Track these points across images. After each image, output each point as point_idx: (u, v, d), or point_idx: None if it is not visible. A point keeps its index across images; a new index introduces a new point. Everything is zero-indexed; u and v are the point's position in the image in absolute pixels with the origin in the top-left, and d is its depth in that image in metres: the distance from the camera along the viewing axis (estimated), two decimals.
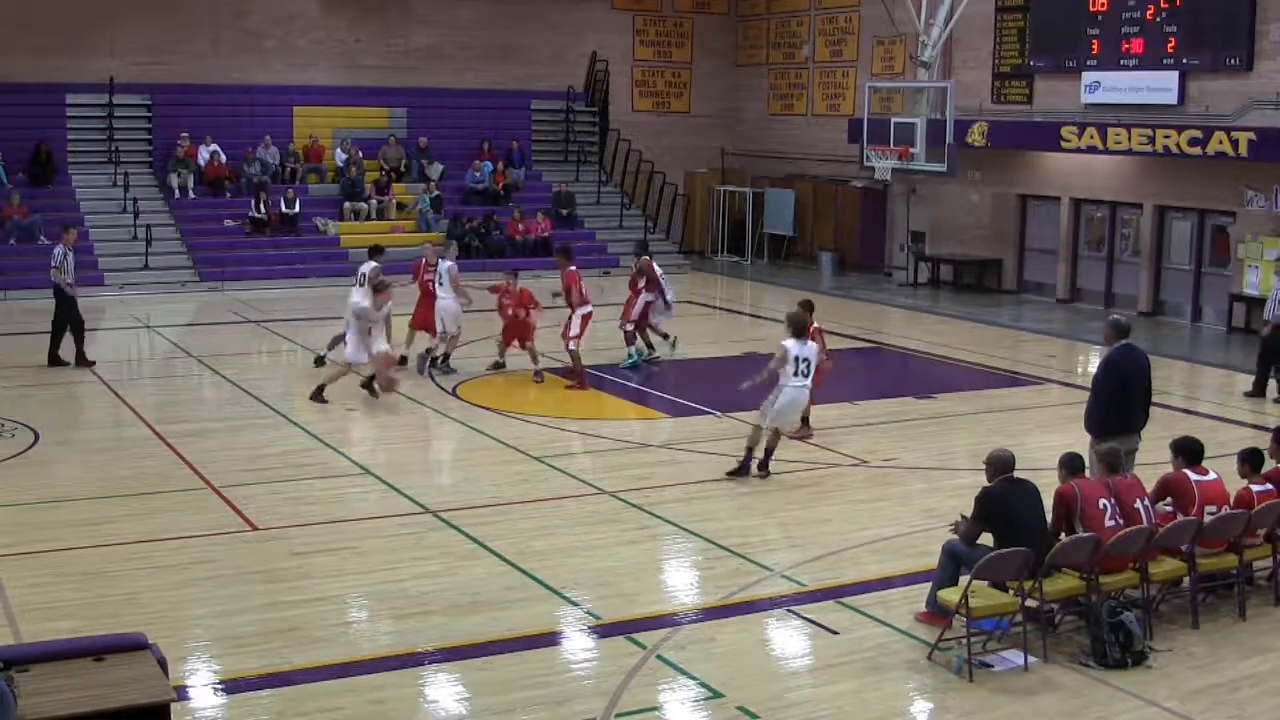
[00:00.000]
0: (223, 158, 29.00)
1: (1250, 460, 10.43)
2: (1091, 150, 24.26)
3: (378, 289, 16.88)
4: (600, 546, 11.45)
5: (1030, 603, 9.10)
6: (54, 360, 18.48)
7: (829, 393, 15.97)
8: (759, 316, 26.00)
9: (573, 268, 18.55)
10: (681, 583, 10.88)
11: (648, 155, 33.02)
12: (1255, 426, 16.06)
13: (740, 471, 13.42)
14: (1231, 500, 10.06)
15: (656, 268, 19.55)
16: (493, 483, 13.39)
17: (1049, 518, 9.56)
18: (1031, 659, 8.98)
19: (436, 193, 29.63)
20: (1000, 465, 9.60)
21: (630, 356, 19.14)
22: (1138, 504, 9.66)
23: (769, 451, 13.53)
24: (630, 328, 19.25)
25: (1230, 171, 22.75)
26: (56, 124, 28.21)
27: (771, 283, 29.53)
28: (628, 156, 32.91)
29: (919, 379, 19.66)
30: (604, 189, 32.25)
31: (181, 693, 8.12)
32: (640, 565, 11.08)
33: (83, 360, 18.43)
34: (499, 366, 18.55)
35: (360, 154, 29.89)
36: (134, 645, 6.79)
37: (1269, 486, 10.25)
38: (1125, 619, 8.98)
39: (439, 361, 18.44)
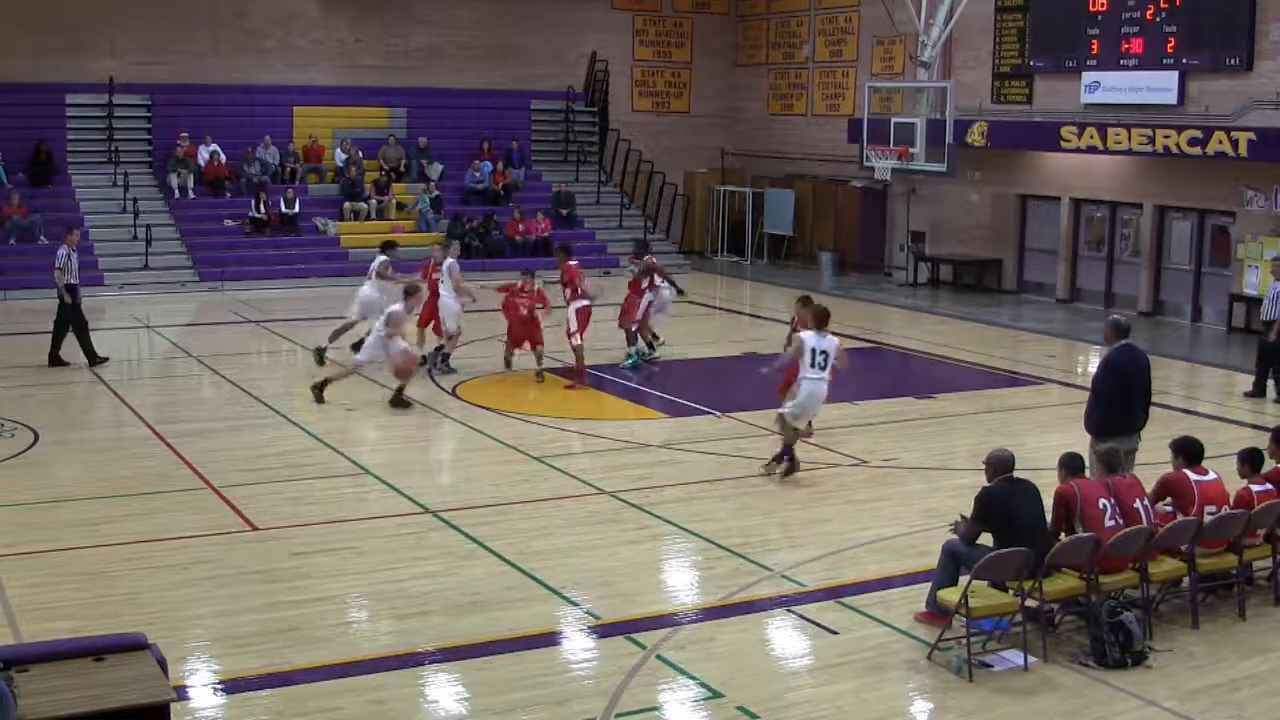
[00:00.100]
0: (222, 158, 29.00)
1: (1250, 460, 10.43)
2: (1091, 150, 24.26)
3: (409, 292, 16.81)
4: (600, 546, 11.45)
5: (1030, 603, 9.10)
6: (54, 360, 18.47)
7: (829, 392, 15.95)
8: (759, 316, 26.01)
9: (573, 262, 18.68)
10: (681, 583, 10.88)
11: (647, 155, 33.02)
12: (1255, 426, 16.06)
13: (791, 470, 13.39)
14: (1231, 500, 10.06)
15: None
16: (493, 483, 13.40)
17: (1049, 518, 9.56)
18: (1031, 659, 8.98)
19: (436, 193, 29.63)
20: (1000, 465, 9.60)
21: (630, 356, 19.14)
22: (1137, 504, 9.66)
23: (788, 447, 13.48)
24: (634, 327, 19.26)
25: (1230, 171, 22.75)
26: (56, 124, 28.21)
27: (771, 283, 29.53)
28: (627, 156, 32.91)
29: (919, 379, 19.66)
30: (604, 189, 32.26)
31: (181, 693, 8.13)
32: (640, 565, 11.08)
33: (94, 359, 18.39)
34: (508, 366, 18.33)
35: (360, 154, 29.89)
36: (134, 645, 6.79)
37: (1269, 486, 10.25)
38: (1125, 619, 8.98)
39: (445, 360, 18.46)
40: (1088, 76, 25.28)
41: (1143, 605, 9.44)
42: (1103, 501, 9.48)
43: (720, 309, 27.12)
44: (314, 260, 27.80)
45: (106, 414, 16.51)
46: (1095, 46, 25.08)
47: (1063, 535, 9.46)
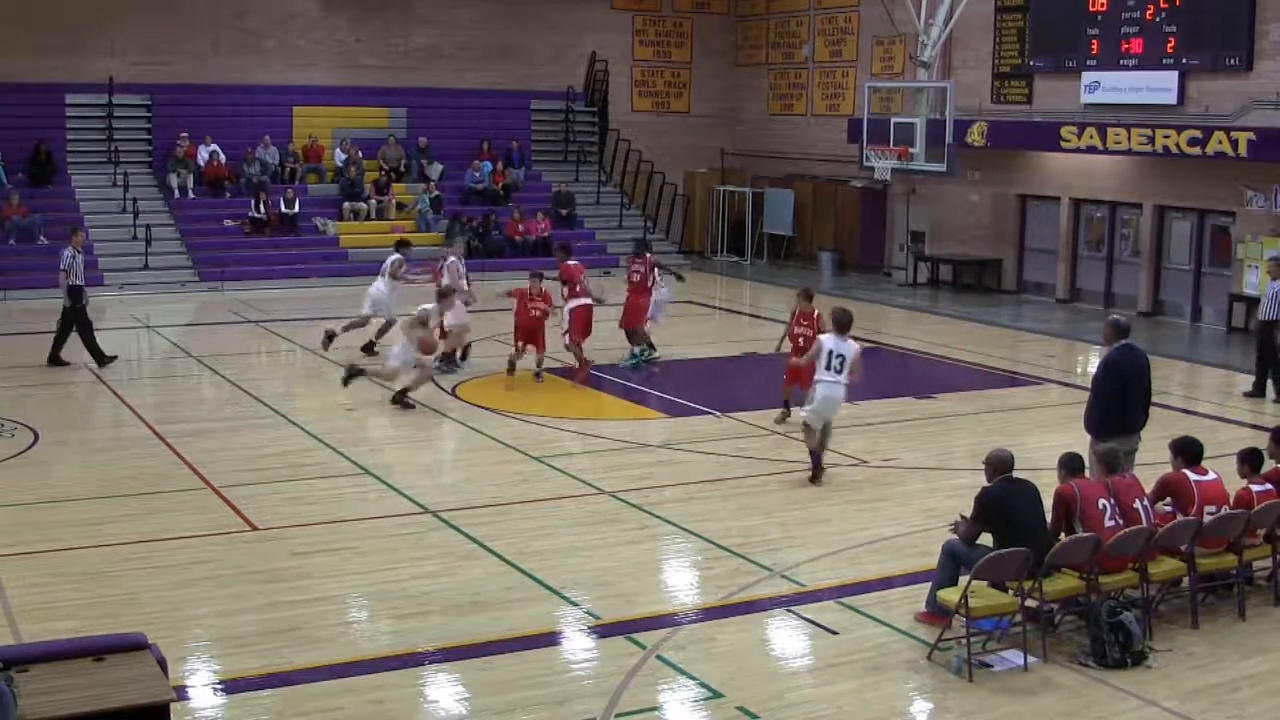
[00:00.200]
0: (222, 158, 29.00)
1: (1250, 460, 10.43)
2: (1091, 150, 24.26)
3: (443, 294, 16.76)
4: (600, 546, 11.45)
5: (1030, 603, 9.11)
6: (54, 360, 18.45)
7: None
8: (759, 316, 26.00)
9: (572, 262, 18.73)
10: (681, 583, 10.88)
11: (647, 155, 33.02)
12: (1255, 426, 16.07)
13: (816, 476, 13.34)
14: (1231, 500, 10.07)
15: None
16: (493, 483, 13.40)
17: (1049, 518, 9.56)
18: (1031, 659, 8.98)
19: (436, 193, 29.64)
20: (999, 465, 9.60)
21: (634, 356, 19.16)
22: (1137, 504, 9.66)
23: (816, 452, 13.45)
24: (647, 327, 19.29)
25: (1230, 171, 22.75)
26: (56, 124, 28.21)
27: (771, 283, 29.52)
28: (627, 156, 32.91)
29: (919, 379, 19.66)
30: (604, 189, 32.26)
31: (181, 693, 8.13)
32: (640, 565, 11.08)
33: (102, 359, 18.36)
34: (512, 371, 18.20)
35: (360, 154, 29.89)
36: (134, 645, 6.80)
37: (1268, 486, 10.25)
38: (1125, 619, 8.98)
39: (446, 360, 18.47)
40: (1088, 76, 25.28)
41: (1143, 605, 9.44)
42: (1102, 502, 9.48)
43: (720, 309, 27.13)
44: (314, 260, 27.81)
45: (106, 414, 16.51)
46: (1095, 46, 25.09)
47: (1062, 535, 9.46)
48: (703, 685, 8.62)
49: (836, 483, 13.49)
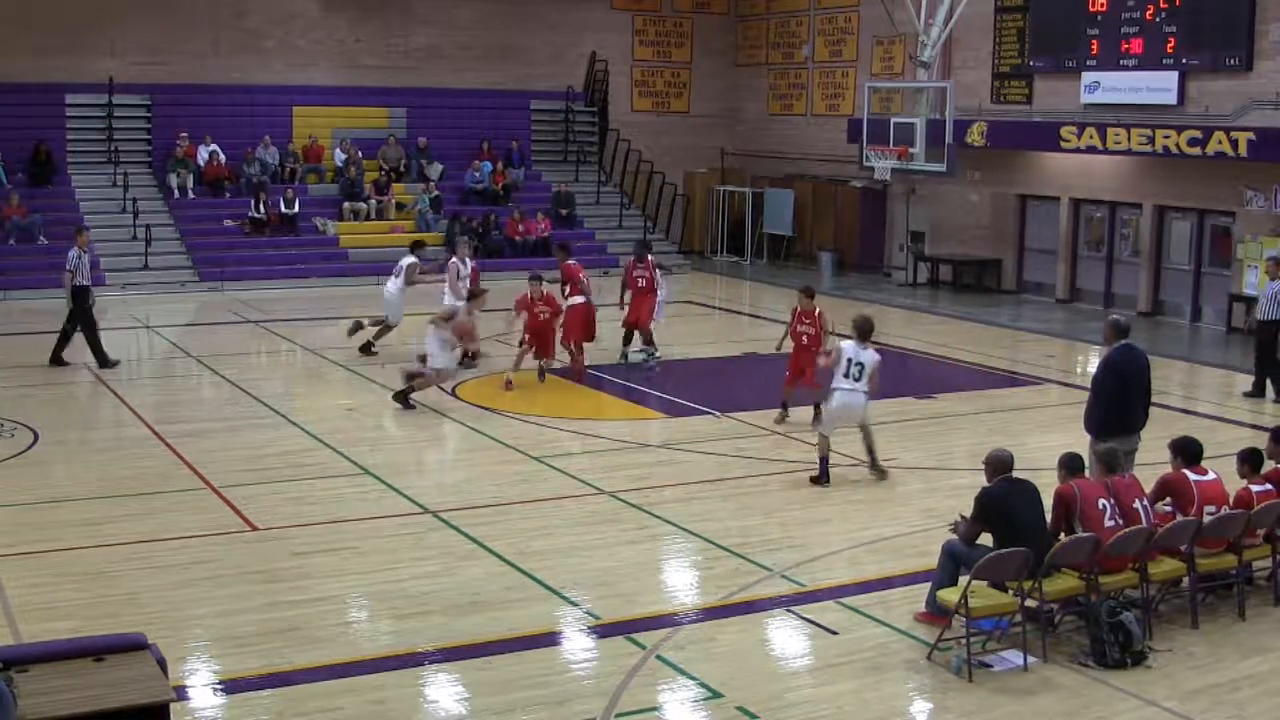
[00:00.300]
0: (222, 158, 29.00)
1: (1250, 460, 10.44)
2: (1091, 150, 24.26)
3: (473, 296, 16.60)
4: (600, 546, 11.46)
5: (1030, 603, 9.11)
6: (56, 360, 18.43)
7: (828, 393, 15.98)
8: (758, 316, 26.00)
9: (571, 261, 18.78)
10: (681, 583, 10.88)
11: (647, 155, 33.02)
12: (1254, 427, 16.07)
13: (821, 478, 13.31)
14: (1231, 500, 10.07)
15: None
16: (493, 483, 13.40)
17: (1048, 518, 9.56)
18: (1031, 659, 8.98)
19: (436, 193, 29.63)
20: (999, 465, 9.61)
21: (646, 354, 19.22)
22: (1137, 504, 9.66)
23: (870, 451, 13.45)
24: (653, 326, 19.39)
25: (1230, 171, 22.75)
26: (56, 124, 28.20)
27: (771, 283, 29.52)
28: (627, 156, 32.91)
29: (919, 379, 19.65)
30: (603, 189, 32.26)
31: (181, 693, 8.13)
32: (640, 565, 11.08)
33: (105, 361, 18.35)
34: (544, 373, 18.05)
35: (360, 154, 29.89)
36: (134, 645, 6.80)
37: (1268, 487, 10.26)
38: (1125, 619, 8.98)
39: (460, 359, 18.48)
40: (1087, 76, 25.28)
41: (1142, 605, 9.44)
42: (1102, 502, 9.49)
43: (720, 309, 27.13)
44: (313, 260, 27.81)
45: (106, 414, 16.51)
46: (1095, 46, 25.09)
47: (1062, 535, 9.46)
48: (703, 685, 8.62)
49: (836, 482, 13.48)
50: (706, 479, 13.60)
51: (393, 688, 8.54)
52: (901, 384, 19.11)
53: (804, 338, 15.58)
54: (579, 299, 18.30)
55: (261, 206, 28.00)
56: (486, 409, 16.39)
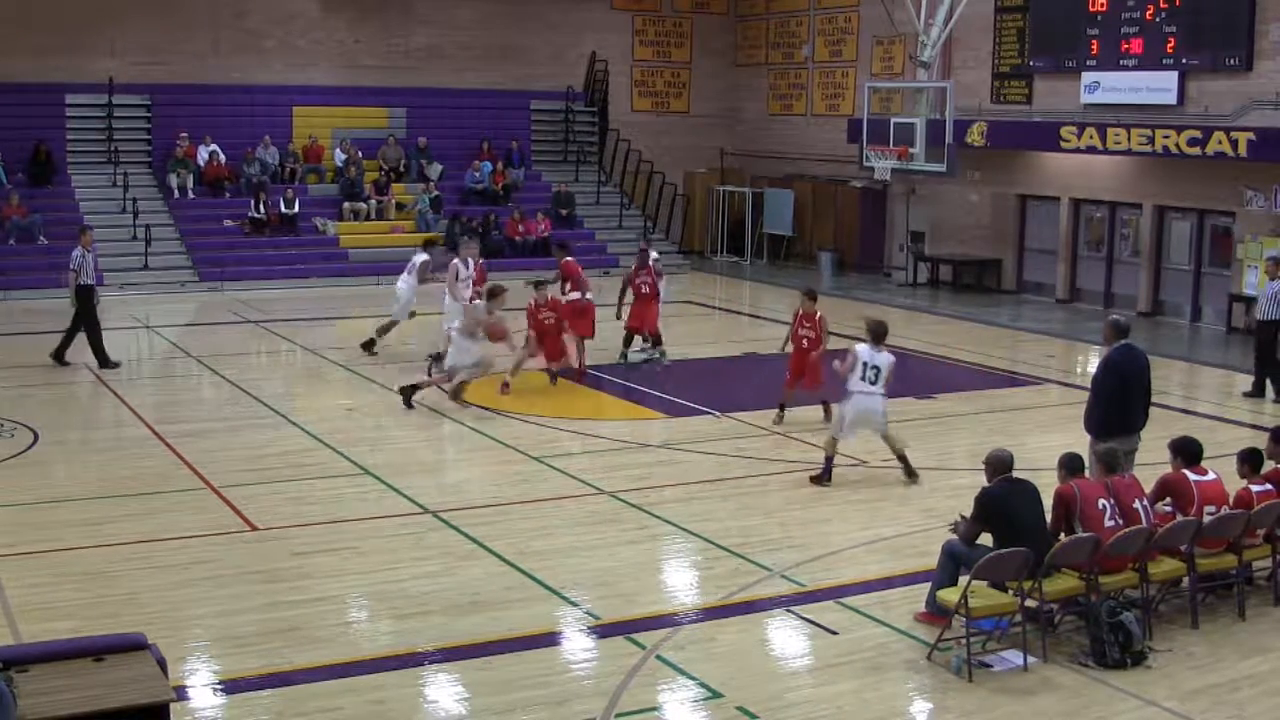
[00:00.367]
0: (222, 158, 28.99)
1: (1250, 460, 10.44)
2: (1091, 150, 24.27)
3: (492, 294, 16.50)
4: (600, 546, 11.46)
5: (1030, 603, 9.11)
6: (58, 357, 18.41)
7: (829, 393, 15.99)
8: (758, 317, 26.01)
9: (570, 258, 18.83)
10: (681, 583, 10.88)
11: (647, 155, 33.02)
12: (1254, 427, 16.07)
13: (823, 477, 13.32)
14: (1231, 500, 10.07)
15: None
16: (493, 483, 13.40)
17: (1048, 518, 9.56)
18: (1031, 659, 8.98)
19: (436, 193, 29.63)
20: (999, 465, 9.61)
21: (653, 355, 19.29)
22: (1137, 504, 9.66)
23: (902, 458, 13.43)
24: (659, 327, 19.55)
25: (1230, 171, 22.75)
26: (56, 124, 28.20)
27: (771, 283, 29.53)
28: (627, 156, 32.91)
29: (919, 379, 19.62)
30: (603, 189, 32.26)
31: (181, 693, 8.13)
32: (640, 565, 11.08)
33: (105, 362, 18.33)
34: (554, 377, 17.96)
35: (360, 154, 29.88)
36: (134, 645, 6.80)
37: (1268, 487, 10.26)
38: (1125, 619, 8.98)
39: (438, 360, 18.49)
40: (1087, 76, 25.29)
41: (1142, 605, 9.44)
42: (1102, 502, 9.49)
43: (720, 309, 27.13)
44: (313, 260, 27.80)
45: (106, 414, 16.51)
46: (1095, 46, 25.09)
47: (1062, 535, 9.46)
48: (702, 685, 8.62)
49: (837, 483, 13.47)
50: (706, 479, 13.61)
51: (393, 688, 8.54)
52: (901, 384, 19.00)
53: (805, 341, 15.60)
54: (576, 295, 18.39)
55: (261, 206, 27.99)
56: (487, 409, 16.39)
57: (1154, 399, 11.98)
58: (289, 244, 28.08)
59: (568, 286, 18.67)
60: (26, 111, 27.73)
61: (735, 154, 34.75)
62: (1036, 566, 9.04)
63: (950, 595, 9.15)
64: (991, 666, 8.95)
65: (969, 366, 20.19)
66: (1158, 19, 23.88)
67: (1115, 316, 12.15)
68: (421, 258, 19.60)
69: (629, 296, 19.50)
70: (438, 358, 18.40)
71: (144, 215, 27.09)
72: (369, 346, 19.50)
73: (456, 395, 16.20)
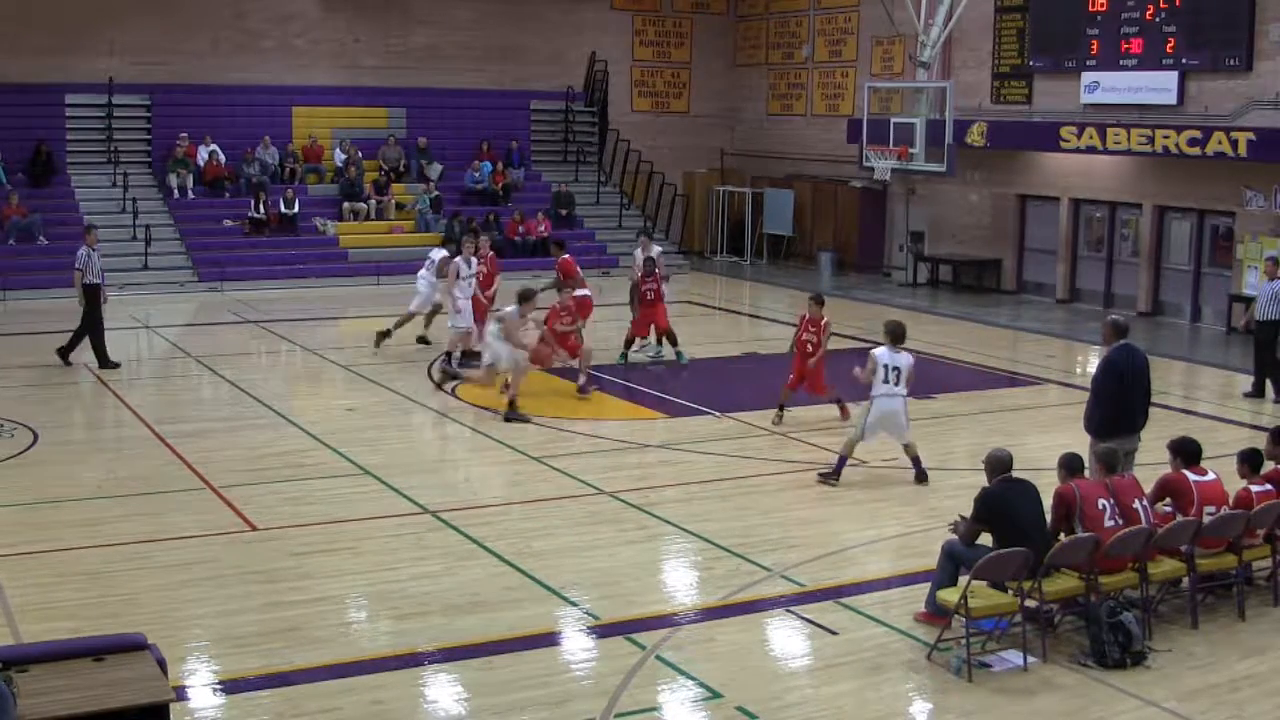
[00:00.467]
0: (222, 158, 28.99)
1: (1249, 461, 10.44)
2: (1091, 150, 24.27)
3: (524, 298, 16.40)
4: (600, 546, 11.46)
5: (1029, 603, 9.11)
6: (63, 356, 18.39)
7: (842, 393, 16.02)
8: (758, 317, 26.02)
9: (566, 255, 18.87)
10: (681, 583, 10.88)
11: (647, 155, 33.02)
12: (1254, 427, 16.07)
13: (831, 475, 13.31)
14: (1231, 501, 10.07)
15: None
16: (493, 483, 13.40)
17: (1048, 518, 9.56)
18: (1031, 659, 8.98)
19: (436, 193, 29.63)
20: (998, 465, 9.61)
21: (679, 355, 19.38)
22: (1136, 504, 9.66)
23: (915, 460, 13.43)
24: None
25: (1229, 171, 22.76)
26: (56, 124, 28.18)
27: (771, 283, 29.55)
28: (627, 156, 32.91)
29: (919, 379, 19.53)
30: (603, 189, 32.26)
31: (181, 693, 8.13)
32: (640, 565, 11.08)
33: (106, 362, 18.33)
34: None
35: (359, 154, 29.88)
36: (134, 645, 6.80)
37: (1268, 487, 10.26)
38: (1125, 619, 8.98)
39: (458, 359, 18.50)
40: (1087, 76, 25.29)
41: (1142, 605, 9.44)
42: (1102, 502, 9.49)
43: (720, 309, 27.12)
44: (313, 260, 27.80)
45: (106, 414, 16.51)
46: (1095, 46, 25.09)
47: (1062, 535, 9.46)
48: (702, 685, 8.62)
49: (837, 483, 13.49)
50: (706, 479, 13.61)
51: (393, 688, 8.54)
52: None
53: (809, 345, 15.64)
54: (585, 291, 18.50)
55: (261, 207, 27.99)
56: (487, 409, 16.39)
57: (1154, 399, 11.98)
58: (289, 244, 28.06)
59: (572, 283, 18.72)
60: (26, 111, 27.72)
61: (735, 154, 34.75)
62: (1036, 566, 9.04)
63: (950, 595, 9.15)
64: (991, 667, 8.95)
65: (969, 366, 20.19)
66: (1158, 19, 23.88)
67: (1114, 317, 12.15)
68: (440, 253, 19.78)
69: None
70: (448, 357, 18.44)
71: (144, 215, 27.09)
72: (384, 337, 19.54)
73: (511, 406, 15.99)
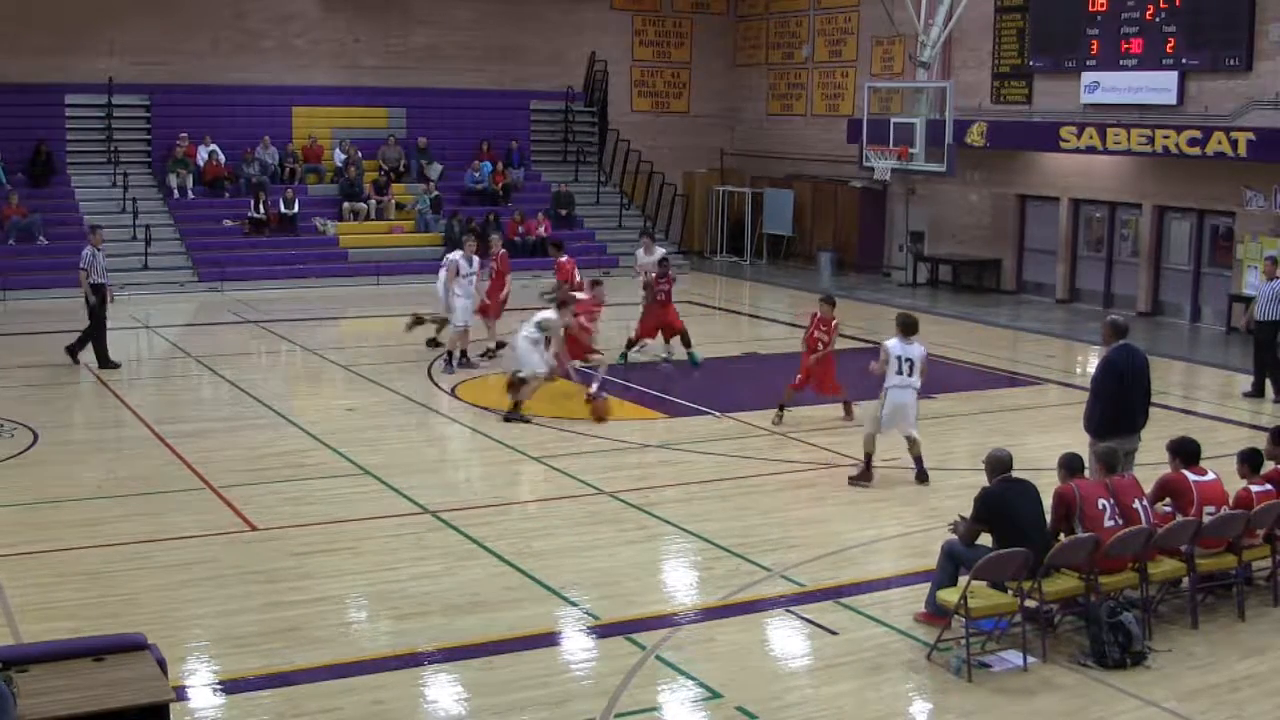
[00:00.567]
0: (221, 158, 28.99)
1: (1249, 461, 10.45)
2: (1091, 150, 24.27)
3: (563, 303, 16.44)
4: (600, 546, 11.46)
5: (1029, 603, 9.11)
6: (72, 354, 18.39)
7: (849, 393, 16.05)
8: (758, 317, 26.02)
9: (564, 258, 18.87)
10: (681, 583, 10.88)
11: (647, 155, 33.02)
12: (1254, 427, 16.08)
13: (861, 478, 13.34)
14: (1230, 501, 10.07)
15: None
16: (493, 483, 13.40)
17: (1048, 518, 9.56)
18: (1031, 659, 8.99)
19: (436, 193, 29.62)
20: (998, 465, 9.61)
21: (691, 356, 19.40)
22: (1136, 504, 9.66)
23: (917, 460, 13.45)
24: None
25: (1229, 171, 22.76)
26: (56, 124, 28.18)
27: (771, 283, 29.55)
28: (627, 156, 32.91)
29: None
30: (603, 189, 32.26)
31: (181, 693, 8.14)
32: (640, 565, 11.08)
33: (106, 362, 18.33)
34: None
35: (359, 154, 29.88)
36: (134, 645, 6.80)
37: (1268, 487, 10.26)
38: (1124, 619, 8.98)
39: (457, 359, 18.50)
40: (1087, 77, 25.29)
41: (1142, 605, 9.44)
42: (1102, 502, 9.49)
43: (720, 309, 27.11)
44: (313, 260, 27.79)
45: (106, 414, 16.51)
46: (1095, 46, 25.09)
47: (1062, 535, 9.46)
48: (702, 685, 8.62)
49: (836, 483, 13.50)
50: (706, 479, 13.61)
51: (393, 688, 8.54)
52: None
53: (819, 344, 15.71)
54: (584, 295, 18.42)
55: (261, 207, 27.99)
56: (486, 409, 16.39)
57: (1154, 399, 11.98)
58: (289, 244, 28.06)
59: (568, 286, 18.71)
60: (26, 111, 27.72)
61: (735, 154, 34.75)
62: (1036, 567, 9.04)
63: (950, 595, 9.15)
64: (991, 667, 8.95)
65: (969, 366, 20.19)
66: (1158, 19, 23.88)
67: (1114, 317, 12.16)
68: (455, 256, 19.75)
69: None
70: (448, 357, 18.45)
71: (144, 215, 27.09)
72: (415, 324, 19.52)
73: (515, 405, 15.92)
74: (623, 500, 12.70)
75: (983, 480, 9.70)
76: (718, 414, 16.42)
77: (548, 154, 32.82)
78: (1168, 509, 10.14)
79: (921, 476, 13.42)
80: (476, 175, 30.55)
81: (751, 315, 26.45)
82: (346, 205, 28.98)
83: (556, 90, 32.80)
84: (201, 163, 28.85)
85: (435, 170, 30.43)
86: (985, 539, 9.46)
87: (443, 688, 8.65)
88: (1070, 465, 9.74)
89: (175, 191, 28.26)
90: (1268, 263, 18.50)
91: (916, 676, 8.87)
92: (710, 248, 33.65)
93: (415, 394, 17.21)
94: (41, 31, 27.81)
